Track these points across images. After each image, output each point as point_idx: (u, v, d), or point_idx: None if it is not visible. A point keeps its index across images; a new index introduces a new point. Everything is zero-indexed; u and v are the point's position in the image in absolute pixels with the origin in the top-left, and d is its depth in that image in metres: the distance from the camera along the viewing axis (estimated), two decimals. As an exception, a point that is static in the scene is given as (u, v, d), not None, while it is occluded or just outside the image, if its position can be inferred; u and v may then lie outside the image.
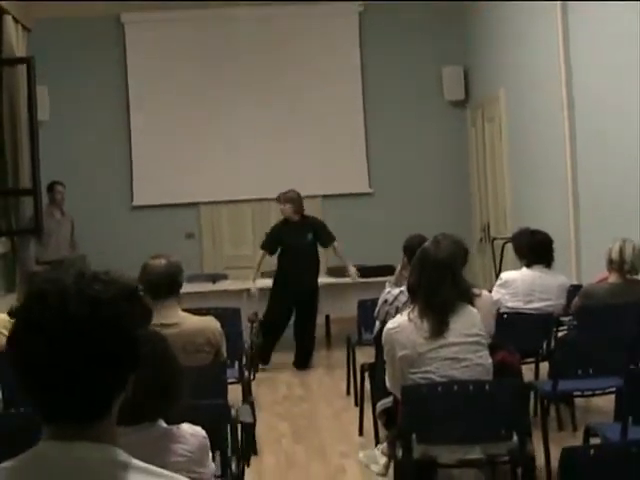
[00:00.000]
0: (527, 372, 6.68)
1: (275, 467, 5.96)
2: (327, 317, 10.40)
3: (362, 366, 6.59)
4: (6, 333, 4.14)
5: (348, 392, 7.63)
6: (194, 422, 3.84)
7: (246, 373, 6.43)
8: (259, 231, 11.68)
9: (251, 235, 11.97)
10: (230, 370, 6.27)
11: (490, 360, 4.31)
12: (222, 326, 5.64)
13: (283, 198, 9.19)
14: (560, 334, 6.35)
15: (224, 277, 10.44)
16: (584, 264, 8.35)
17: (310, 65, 11.80)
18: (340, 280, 9.98)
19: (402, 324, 4.30)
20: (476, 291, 5.12)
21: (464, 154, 11.95)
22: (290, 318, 9.29)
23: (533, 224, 8.38)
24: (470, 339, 4.23)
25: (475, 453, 4.15)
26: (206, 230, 11.93)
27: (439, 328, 4.19)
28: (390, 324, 4.38)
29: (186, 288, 9.37)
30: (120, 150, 11.72)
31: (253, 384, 7.96)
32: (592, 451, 3.04)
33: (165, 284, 4.89)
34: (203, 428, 3.83)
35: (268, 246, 9.32)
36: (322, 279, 10.24)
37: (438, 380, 4.14)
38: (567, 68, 8.38)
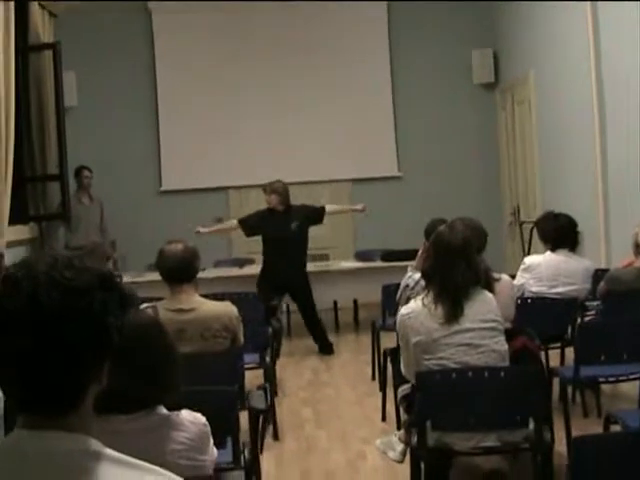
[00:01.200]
0: (554, 357, 6.63)
1: (295, 452, 5.93)
2: (355, 302, 10.37)
3: (384, 351, 6.54)
4: None
5: (373, 377, 7.60)
6: (203, 409, 3.83)
7: (267, 358, 6.40)
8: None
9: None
10: (252, 355, 6.28)
11: (506, 346, 4.24)
12: (244, 311, 5.64)
13: (269, 189, 9.08)
14: (586, 319, 6.25)
15: (251, 262, 10.42)
16: (613, 249, 8.24)
17: (339, 49, 11.74)
18: (368, 264, 9.96)
19: (416, 310, 4.24)
20: (495, 275, 5.06)
21: (494, 137, 11.84)
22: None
23: (562, 208, 8.28)
24: (485, 325, 4.16)
25: (490, 440, 4.09)
26: (234, 214, 11.82)
27: (453, 314, 4.12)
28: (404, 310, 4.33)
29: (213, 273, 9.51)
30: (148, 135, 11.74)
31: (278, 369, 7.98)
32: (603, 440, 2.96)
33: (181, 270, 4.88)
34: (213, 415, 3.82)
35: (246, 225, 9.22)
36: (350, 263, 10.23)
37: (453, 366, 4.08)
38: (596, 50, 8.25)
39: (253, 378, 6.42)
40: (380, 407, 6.53)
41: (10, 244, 8.97)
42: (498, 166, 11.84)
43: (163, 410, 2.83)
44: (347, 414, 6.79)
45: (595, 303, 6.36)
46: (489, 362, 4.11)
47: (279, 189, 9.06)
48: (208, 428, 2.88)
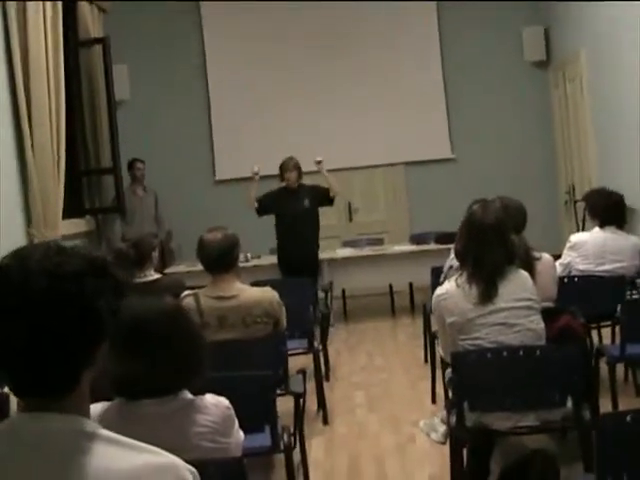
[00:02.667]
0: (606, 336, 6.57)
1: (346, 437, 5.97)
2: (410, 285, 10.37)
3: (432, 334, 6.53)
4: None
5: (426, 360, 7.58)
6: (241, 393, 3.88)
7: (316, 343, 6.44)
8: (342, 200, 11.71)
9: (335, 205, 11.93)
10: (301, 341, 6.33)
11: (542, 325, 4.20)
12: (290, 296, 5.68)
13: (293, 165, 9.18)
14: (634, 297, 6.18)
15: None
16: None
17: (388, 32, 11.69)
18: (422, 247, 9.95)
19: (450, 290, 4.23)
20: (536, 254, 5.03)
21: (547, 116, 11.70)
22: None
23: (616, 185, 8.16)
24: (520, 304, 4.13)
25: (529, 420, 4.07)
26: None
27: (488, 293, 4.10)
28: (438, 290, 4.32)
29: (268, 260, 9.56)
30: (201, 125, 11.83)
31: (332, 354, 8.03)
32: (629, 417, 2.94)
33: (221, 258, 4.93)
34: (250, 399, 3.88)
35: (262, 205, 9.39)
36: (405, 247, 10.22)
37: (488, 346, 4.07)
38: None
39: (304, 364, 6.47)
40: (430, 390, 6.53)
41: (66, 237, 9.12)
42: (553, 145, 11.70)
43: (188, 395, 2.87)
44: (399, 398, 6.80)
45: (643, 281, 6.29)
46: (525, 341, 4.09)
47: (299, 165, 9.21)
48: (232, 411, 2.92)
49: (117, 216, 10.39)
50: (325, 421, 6.27)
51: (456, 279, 4.23)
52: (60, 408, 1.62)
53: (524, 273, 4.27)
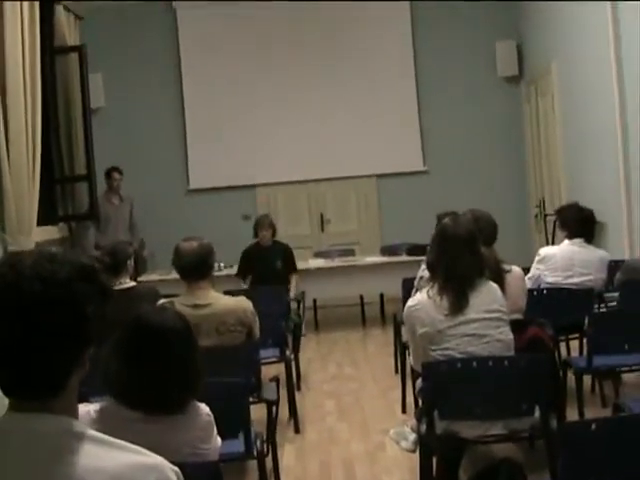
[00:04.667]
0: (574, 348, 6.68)
1: (317, 444, 6.04)
2: (381, 296, 10.46)
3: (403, 344, 6.61)
4: None
5: (396, 371, 7.65)
6: (215, 400, 3.94)
7: (288, 352, 6.51)
8: (315, 211, 11.84)
9: (307, 215, 12.09)
10: (273, 350, 6.40)
11: (511, 336, 4.30)
12: (263, 306, 5.75)
13: (268, 224, 9.17)
14: (602, 309, 6.30)
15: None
16: (636, 240, 8.25)
17: (362, 46, 11.82)
18: (393, 259, 10.05)
19: (422, 301, 4.32)
20: (506, 267, 5.13)
21: (519, 130, 11.87)
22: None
23: (586, 200, 8.32)
24: (490, 315, 4.23)
25: (497, 429, 4.16)
26: (262, 211, 11.99)
27: (458, 305, 4.19)
28: (410, 302, 4.41)
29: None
30: (175, 134, 11.89)
31: (304, 363, 8.10)
32: (593, 426, 3.03)
33: (196, 266, 4.99)
34: (224, 406, 3.94)
35: (240, 273, 9.33)
36: (376, 258, 10.32)
37: (458, 357, 4.15)
38: (617, 42, 8.25)
39: (276, 373, 6.53)
40: (401, 399, 6.62)
41: (39, 244, 9.13)
42: (524, 159, 11.86)
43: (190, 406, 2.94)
44: (369, 407, 6.88)
45: (614, 294, 6.41)
46: (494, 352, 4.18)
47: (273, 224, 9.23)
48: (211, 418, 2.99)
49: (91, 224, 10.42)
50: (297, 429, 6.34)
51: (427, 290, 4.32)
52: (49, 409, 1.68)
53: (494, 285, 4.37)
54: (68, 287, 1.68)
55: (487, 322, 4.21)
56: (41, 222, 9.54)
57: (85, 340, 1.72)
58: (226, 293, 6.14)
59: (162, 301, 5.09)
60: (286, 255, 9.21)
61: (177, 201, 11.82)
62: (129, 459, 1.72)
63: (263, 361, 6.24)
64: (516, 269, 5.24)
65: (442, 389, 4.14)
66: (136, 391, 2.82)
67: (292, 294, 8.84)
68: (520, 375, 4.11)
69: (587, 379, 6.47)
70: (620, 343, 5.29)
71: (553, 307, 6.03)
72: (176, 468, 1.82)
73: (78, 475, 1.64)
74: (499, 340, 4.22)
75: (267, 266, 9.06)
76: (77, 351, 1.71)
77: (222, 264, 9.87)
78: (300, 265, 10.03)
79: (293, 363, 7.42)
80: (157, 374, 2.81)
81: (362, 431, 6.23)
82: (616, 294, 6.31)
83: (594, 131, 9.15)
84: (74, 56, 9.81)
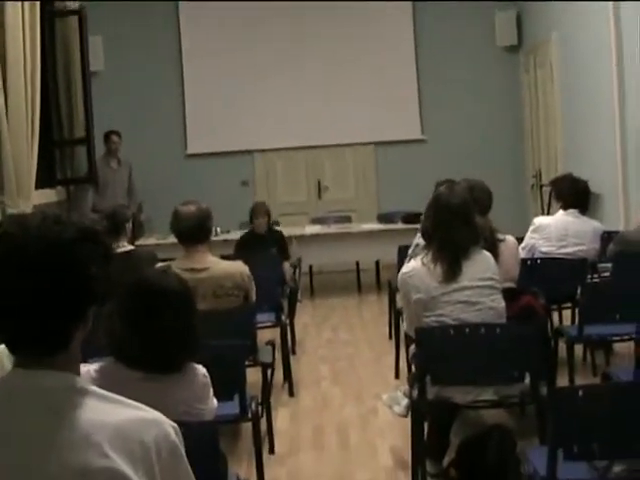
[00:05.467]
0: (567, 317, 6.76)
1: (310, 408, 6.14)
2: (377, 263, 10.53)
3: (398, 311, 6.68)
4: None
5: (390, 336, 7.73)
6: (211, 362, 4.01)
7: (283, 317, 6.59)
8: (312, 178, 11.87)
9: (304, 182, 12.13)
10: (268, 314, 6.48)
11: (503, 304, 4.37)
12: (260, 271, 5.82)
13: (263, 211, 8.95)
14: (596, 280, 6.36)
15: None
16: (632, 212, 8.32)
17: (362, 13, 11.77)
18: (389, 226, 10.10)
19: (416, 268, 4.38)
20: (500, 236, 5.19)
21: (517, 101, 11.88)
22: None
23: (583, 171, 8.38)
24: (483, 283, 4.29)
25: (488, 394, 4.24)
26: (260, 177, 12.08)
27: (452, 272, 4.26)
28: (404, 268, 4.48)
29: (238, 234, 9.67)
30: (174, 99, 11.88)
31: (299, 328, 8.18)
32: (580, 392, 3.11)
33: (194, 230, 5.04)
34: (220, 369, 4.01)
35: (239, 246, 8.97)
36: (371, 225, 10.38)
37: (451, 323, 4.22)
38: (616, 12, 8.27)
39: (271, 337, 6.61)
40: (394, 365, 6.71)
41: (38, 207, 9.17)
42: (522, 129, 11.88)
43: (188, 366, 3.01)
44: (363, 372, 6.97)
45: (607, 265, 6.47)
46: (486, 319, 4.25)
47: (269, 211, 9.03)
48: (208, 379, 3.05)
49: (89, 187, 10.45)
50: (291, 393, 6.44)
51: (422, 258, 4.39)
52: (53, 365, 1.74)
53: (487, 254, 4.43)
54: (72, 248, 1.74)
55: (480, 290, 4.28)
56: (39, 185, 9.56)
57: (88, 299, 1.78)
58: (223, 258, 6.22)
59: (159, 264, 5.14)
60: (280, 243, 9.11)
61: (175, 166, 11.84)
62: (131, 414, 1.78)
63: (259, 325, 6.33)
64: (510, 238, 5.30)
65: (434, 355, 4.22)
66: (137, 351, 2.89)
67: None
68: (511, 342, 4.18)
69: (579, 349, 6.57)
70: (612, 313, 5.35)
71: (546, 276, 6.10)
72: (174, 424, 1.88)
73: (82, 428, 1.70)
74: (491, 308, 4.29)
75: (260, 254, 8.99)
76: (80, 310, 1.77)
77: (219, 229, 9.93)
78: (296, 231, 10.11)
79: (288, 328, 7.52)
80: (158, 334, 2.87)
81: (356, 395, 6.32)
82: (609, 265, 6.38)
83: (592, 102, 9.19)
84: (74, 19, 9.79)
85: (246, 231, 9.16)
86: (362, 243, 10.12)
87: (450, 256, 4.28)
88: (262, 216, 8.92)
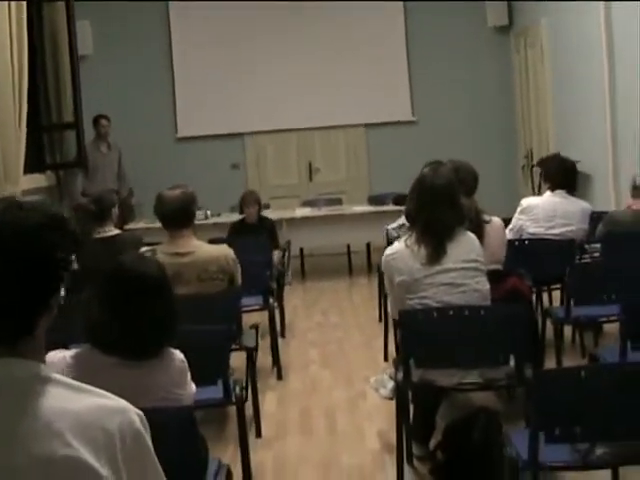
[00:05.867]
0: (556, 298, 6.75)
1: (298, 392, 6.12)
2: (368, 245, 10.50)
3: (386, 293, 6.65)
4: None
5: (380, 319, 7.73)
6: (194, 347, 3.99)
7: (271, 300, 6.57)
8: (303, 160, 11.84)
9: (295, 165, 12.11)
10: (256, 298, 6.46)
11: (487, 286, 4.34)
12: (247, 254, 5.80)
13: (254, 200, 8.85)
14: (585, 260, 6.34)
15: (266, 207, 10.54)
16: (623, 193, 8.29)
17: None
18: (379, 208, 10.07)
19: (399, 250, 4.35)
20: (486, 217, 5.16)
21: (508, 81, 11.84)
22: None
23: (574, 152, 8.37)
24: (467, 265, 4.26)
25: (473, 377, 4.22)
26: (251, 160, 12.05)
27: (436, 254, 4.22)
28: (388, 250, 4.44)
29: (228, 217, 9.65)
30: (163, 83, 11.84)
31: (289, 312, 8.17)
32: (562, 374, 3.09)
33: (179, 214, 5.02)
34: (203, 353, 4.00)
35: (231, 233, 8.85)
36: (362, 207, 10.35)
37: (434, 305, 4.20)
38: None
39: (259, 320, 6.59)
40: (383, 348, 6.69)
41: (27, 192, 9.14)
42: (513, 110, 11.85)
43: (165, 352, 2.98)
44: (353, 355, 6.96)
45: (596, 245, 6.45)
46: (470, 301, 4.22)
47: (259, 200, 8.95)
48: (185, 364, 3.03)
49: (78, 171, 10.41)
50: (279, 376, 6.42)
51: (405, 239, 4.36)
52: (17, 353, 1.72)
53: (472, 235, 4.40)
54: (37, 234, 1.72)
55: (464, 272, 4.25)
56: (29, 170, 9.53)
57: (53, 286, 1.76)
58: (212, 241, 6.21)
59: (144, 249, 5.12)
60: (271, 232, 8.91)
61: (166, 149, 11.81)
62: (94, 402, 1.76)
63: (246, 309, 6.33)
64: (496, 220, 5.26)
65: (418, 337, 4.20)
66: (113, 336, 2.87)
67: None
68: (495, 325, 4.16)
69: (569, 330, 6.57)
70: (600, 294, 5.33)
71: (534, 258, 6.08)
72: (140, 412, 1.86)
73: (44, 416, 1.68)
74: (476, 290, 4.26)
75: (250, 243, 8.92)
76: (45, 297, 1.75)
77: (209, 212, 9.91)
78: (287, 214, 10.10)
79: (277, 311, 7.52)
80: (134, 320, 2.85)
81: (344, 379, 6.31)
82: (598, 245, 6.36)
83: (582, 83, 9.16)
84: (61, 4, 9.73)
85: (237, 220, 9.08)
86: (353, 225, 10.09)
87: (434, 238, 4.25)
88: (252, 205, 8.85)
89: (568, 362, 5.59)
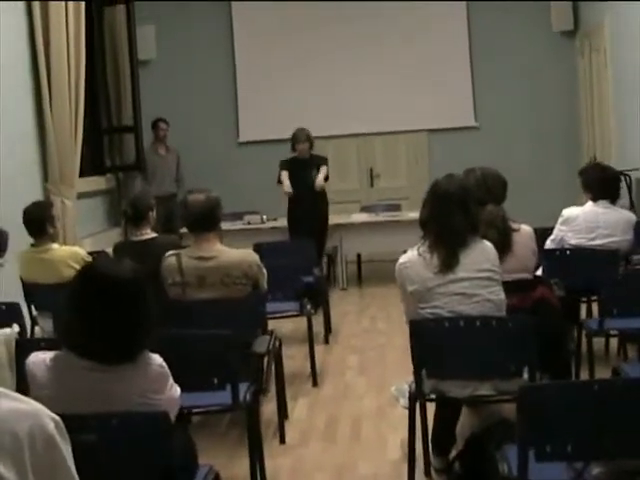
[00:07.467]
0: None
1: (330, 398, 6.08)
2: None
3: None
4: (77, 267, 4.36)
5: (426, 326, 7.63)
6: (202, 352, 4.00)
7: (308, 306, 6.54)
8: (364, 166, 11.80)
9: (356, 170, 12.08)
10: (294, 304, 6.45)
11: (502, 296, 4.23)
12: (292, 259, 5.80)
13: (305, 136, 9.34)
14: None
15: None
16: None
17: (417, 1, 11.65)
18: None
19: (412, 259, 4.28)
20: (514, 226, 5.05)
21: (573, 86, 11.63)
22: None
23: (636, 158, 8.15)
24: (480, 274, 4.16)
25: (486, 389, 4.13)
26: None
27: (448, 262, 4.14)
28: (401, 259, 4.38)
29: (284, 222, 9.68)
30: (226, 87, 11.94)
31: (337, 317, 8.16)
32: (550, 390, 3.00)
33: (202, 219, 5.02)
34: (213, 358, 3.99)
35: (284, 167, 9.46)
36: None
37: (446, 315, 4.12)
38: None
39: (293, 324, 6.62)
40: (422, 355, 6.61)
41: (86, 195, 9.31)
42: (577, 116, 11.63)
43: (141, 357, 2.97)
44: (391, 362, 6.88)
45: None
46: (483, 311, 4.12)
47: (310, 137, 9.38)
48: (165, 369, 3.00)
49: (137, 174, 10.54)
50: (314, 382, 6.39)
51: (419, 248, 4.29)
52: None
53: (487, 244, 4.30)
54: None
55: (477, 281, 4.15)
56: (89, 172, 9.71)
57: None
58: (256, 246, 6.31)
59: (169, 253, 5.14)
60: (319, 165, 9.43)
61: (227, 154, 11.88)
62: (6, 405, 1.77)
63: (282, 314, 6.34)
64: (525, 228, 5.14)
65: (429, 348, 4.13)
66: (86, 340, 2.86)
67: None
68: (508, 336, 4.06)
69: (614, 342, 6.42)
70: (634, 306, 5.18)
71: (575, 268, 5.94)
72: (56, 417, 1.85)
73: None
74: (489, 300, 4.16)
75: (305, 176, 9.25)
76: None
77: (265, 217, 9.96)
78: (343, 219, 10.08)
79: (322, 317, 7.52)
80: (106, 324, 2.84)
81: (378, 387, 6.24)
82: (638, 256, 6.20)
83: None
84: (122, 7, 9.89)
85: (289, 157, 9.52)
86: (410, 232, 9.93)
87: (447, 246, 4.16)
88: (303, 142, 9.34)
89: (601, 375, 5.44)
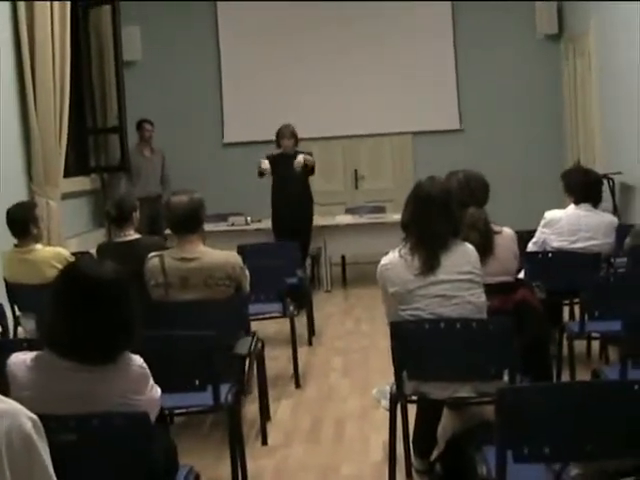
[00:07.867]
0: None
1: (314, 400, 6.10)
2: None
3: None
4: (59, 267, 4.35)
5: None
6: (184, 352, 4.01)
7: (291, 307, 6.56)
8: (349, 167, 11.83)
9: (341, 171, 12.11)
10: (278, 305, 6.46)
11: (483, 298, 4.26)
12: (276, 260, 5.80)
13: (289, 132, 9.40)
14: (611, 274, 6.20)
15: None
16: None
17: (402, 3, 11.67)
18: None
19: (393, 260, 4.30)
20: (496, 228, 5.08)
21: (557, 90, 11.68)
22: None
23: (620, 163, 8.20)
24: (461, 277, 4.18)
25: (466, 391, 4.15)
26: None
27: (429, 264, 4.16)
28: (383, 260, 4.40)
29: (269, 224, 9.69)
30: (211, 89, 11.95)
31: (321, 319, 8.18)
32: (528, 392, 3.02)
33: (186, 220, 5.03)
34: (195, 359, 4.00)
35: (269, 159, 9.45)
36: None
37: (427, 317, 4.14)
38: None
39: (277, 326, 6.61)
40: (405, 357, 6.63)
41: (71, 195, 9.30)
42: (561, 119, 11.69)
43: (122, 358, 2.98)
44: (375, 364, 6.89)
45: (623, 259, 6.31)
46: (464, 314, 4.14)
47: (295, 133, 9.43)
48: (145, 370, 3.01)
49: (122, 175, 10.54)
50: (297, 384, 6.41)
51: (399, 249, 4.31)
52: None
53: (469, 246, 4.32)
54: None
55: (458, 284, 4.18)
56: (73, 173, 9.71)
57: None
58: (240, 248, 6.32)
59: (152, 254, 5.15)
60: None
61: (211, 155, 11.89)
62: None
63: (265, 316, 6.36)
64: (507, 230, 5.17)
65: (410, 350, 4.15)
66: (67, 340, 2.86)
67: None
68: (488, 338, 4.08)
69: (595, 344, 6.46)
70: (619, 308, 5.20)
71: (557, 271, 5.97)
72: (34, 416, 1.87)
73: None
74: (470, 302, 4.18)
75: (289, 172, 9.28)
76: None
77: (249, 218, 9.97)
78: (328, 221, 10.09)
79: (305, 319, 7.53)
80: (88, 324, 2.84)
81: (362, 388, 6.25)
82: (625, 259, 6.23)
83: (630, 93, 8.97)
84: (107, 8, 9.88)
85: (274, 152, 9.53)
86: (395, 233, 9.97)
87: (428, 248, 4.19)
88: (288, 138, 9.39)
89: (582, 377, 5.48)
